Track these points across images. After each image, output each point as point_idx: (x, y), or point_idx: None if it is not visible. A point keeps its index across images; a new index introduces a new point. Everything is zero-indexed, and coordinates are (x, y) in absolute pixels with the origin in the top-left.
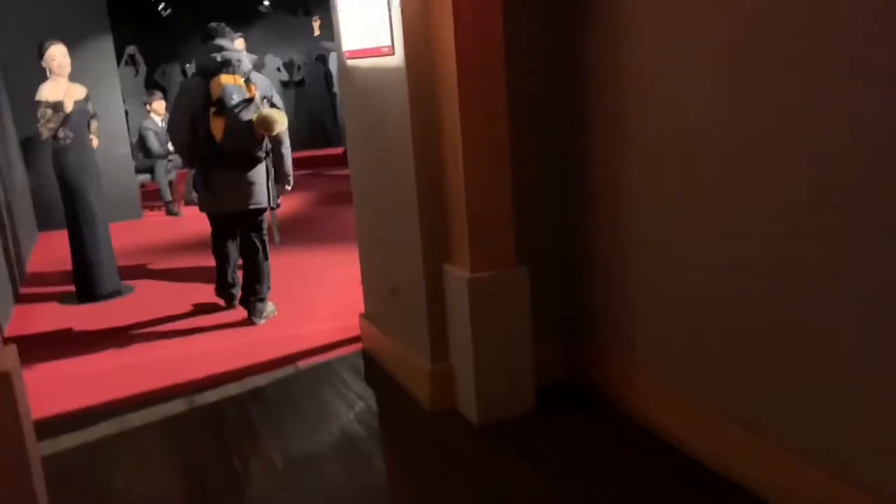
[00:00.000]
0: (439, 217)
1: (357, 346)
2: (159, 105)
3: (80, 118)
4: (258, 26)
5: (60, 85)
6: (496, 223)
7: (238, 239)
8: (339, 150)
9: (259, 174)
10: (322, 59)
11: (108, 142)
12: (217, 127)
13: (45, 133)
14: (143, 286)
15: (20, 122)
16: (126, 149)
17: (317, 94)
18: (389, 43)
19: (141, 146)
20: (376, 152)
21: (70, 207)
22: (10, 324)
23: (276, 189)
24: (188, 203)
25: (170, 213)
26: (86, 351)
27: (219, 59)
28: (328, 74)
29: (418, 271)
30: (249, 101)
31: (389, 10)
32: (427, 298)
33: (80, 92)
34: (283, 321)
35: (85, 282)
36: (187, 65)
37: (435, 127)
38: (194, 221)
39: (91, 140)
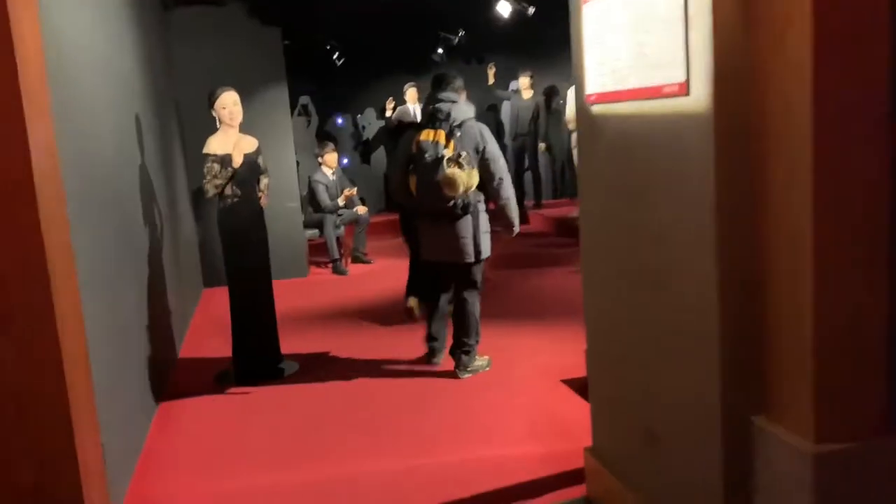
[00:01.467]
0: (751, 341)
1: (576, 492)
2: (331, 157)
3: (249, 174)
4: (430, 76)
5: (230, 137)
6: (862, 362)
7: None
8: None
9: (464, 228)
10: (494, 109)
11: (277, 195)
12: (413, 183)
13: (211, 190)
14: (307, 363)
15: (193, 172)
16: (296, 203)
17: None
18: (683, 78)
19: (311, 200)
20: (637, 231)
21: (233, 275)
22: (157, 414)
23: (488, 240)
24: (355, 260)
25: (337, 271)
26: (244, 459)
27: (429, 111)
28: (500, 125)
29: (705, 419)
30: (454, 159)
31: (686, 30)
32: (722, 461)
33: (250, 145)
34: (464, 434)
35: (244, 361)
36: (359, 115)
37: (755, 202)
38: (362, 281)
39: (260, 198)
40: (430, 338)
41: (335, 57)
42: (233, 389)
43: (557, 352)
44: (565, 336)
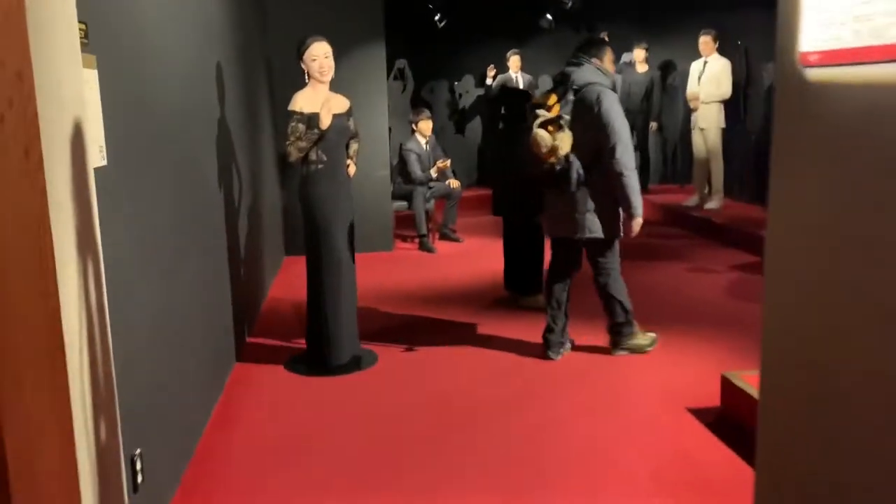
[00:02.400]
0: None
1: None
2: (426, 125)
3: (337, 137)
4: (536, 43)
5: (319, 94)
6: None
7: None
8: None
9: (569, 200)
10: None
11: (367, 162)
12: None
13: (294, 153)
14: (388, 355)
15: (280, 133)
16: (386, 171)
17: None
18: None
19: (401, 169)
20: (887, 252)
21: (313, 251)
22: (219, 404)
23: (595, 218)
24: (443, 237)
25: (423, 247)
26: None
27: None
28: None
29: None
30: (550, 121)
31: None
32: None
33: (341, 104)
34: (569, 477)
35: (318, 350)
36: (456, 82)
37: None
38: (450, 261)
39: (348, 166)
40: (547, 328)
41: (436, 18)
42: (304, 379)
43: (678, 371)
44: (685, 350)
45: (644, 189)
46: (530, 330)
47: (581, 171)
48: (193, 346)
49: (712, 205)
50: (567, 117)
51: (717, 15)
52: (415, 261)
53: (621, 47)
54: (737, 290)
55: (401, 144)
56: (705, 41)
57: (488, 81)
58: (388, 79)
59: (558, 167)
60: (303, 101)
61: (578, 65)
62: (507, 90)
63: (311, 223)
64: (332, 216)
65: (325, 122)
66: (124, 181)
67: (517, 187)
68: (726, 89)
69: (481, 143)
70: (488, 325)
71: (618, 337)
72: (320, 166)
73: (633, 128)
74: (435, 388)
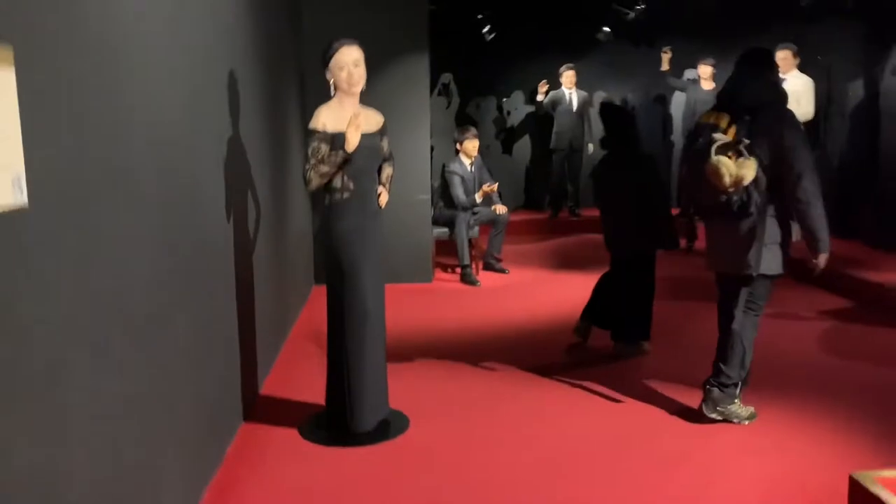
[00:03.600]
0: None
1: None
2: (472, 145)
3: (367, 161)
4: (591, 58)
5: (346, 109)
6: None
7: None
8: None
9: (740, 232)
10: (661, 100)
11: (406, 185)
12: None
13: (315, 180)
14: (422, 414)
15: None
16: (426, 195)
17: (649, 143)
18: None
19: (443, 192)
20: None
21: (335, 297)
22: (218, 474)
23: (771, 254)
24: (488, 267)
25: (466, 279)
26: None
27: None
28: (667, 119)
29: None
30: (728, 145)
31: None
32: None
33: (372, 121)
34: None
35: (339, 413)
36: (504, 99)
37: None
38: (496, 296)
39: (379, 195)
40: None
41: (485, 31)
42: (319, 450)
43: (783, 459)
44: (789, 429)
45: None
46: (608, 387)
47: (759, 202)
48: (179, 418)
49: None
50: (747, 141)
51: (791, 28)
52: (456, 295)
53: (685, 63)
54: (838, 345)
55: (443, 165)
56: (784, 56)
57: (539, 98)
58: (431, 94)
59: (735, 198)
60: (326, 118)
61: (747, 80)
62: (609, 108)
63: (334, 264)
64: (359, 257)
65: (353, 142)
66: (62, 227)
67: (629, 218)
68: (808, 110)
69: (529, 164)
70: (551, 382)
71: (719, 395)
72: (346, 195)
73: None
74: (480, 472)
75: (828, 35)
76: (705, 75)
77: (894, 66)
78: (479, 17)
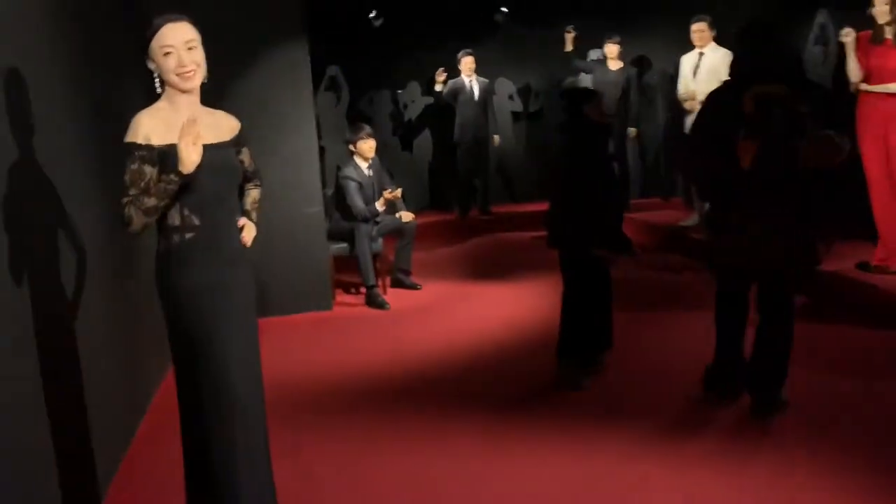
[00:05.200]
0: None
1: None
2: (367, 145)
3: (218, 184)
4: (491, 42)
5: (179, 112)
6: None
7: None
8: None
9: (802, 217)
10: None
11: (293, 196)
12: (747, 151)
13: (138, 219)
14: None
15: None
16: (318, 207)
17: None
18: None
19: (338, 202)
20: None
21: (188, 386)
22: None
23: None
24: (396, 284)
25: (372, 303)
26: None
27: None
28: None
29: None
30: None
31: None
32: None
33: (222, 128)
34: None
35: None
36: (399, 91)
37: None
38: (409, 319)
39: (241, 229)
40: (726, 375)
41: (372, 16)
42: None
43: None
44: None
45: (626, 206)
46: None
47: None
48: None
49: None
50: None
51: (696, 3)
52: (363, 323)
53: (587, 44)
54: (820, 354)
55: (337, 170)
56: (700, 28)
57: (438, 88)
58: (316, 90)
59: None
60: (151, 127)
61: (780, 51)
62: (573, 91)
63: (180, 337)
64: (216, 323)
65: (189, 160)
66: None
67: (589, 211)
68: None
69: (432, 160)
70: (494, 441)
71: (776, 398)
72: (189, 236)
73: (608, 133)
74: None
75: (740, 5)
76: (612, 54)
77: (816, 35)
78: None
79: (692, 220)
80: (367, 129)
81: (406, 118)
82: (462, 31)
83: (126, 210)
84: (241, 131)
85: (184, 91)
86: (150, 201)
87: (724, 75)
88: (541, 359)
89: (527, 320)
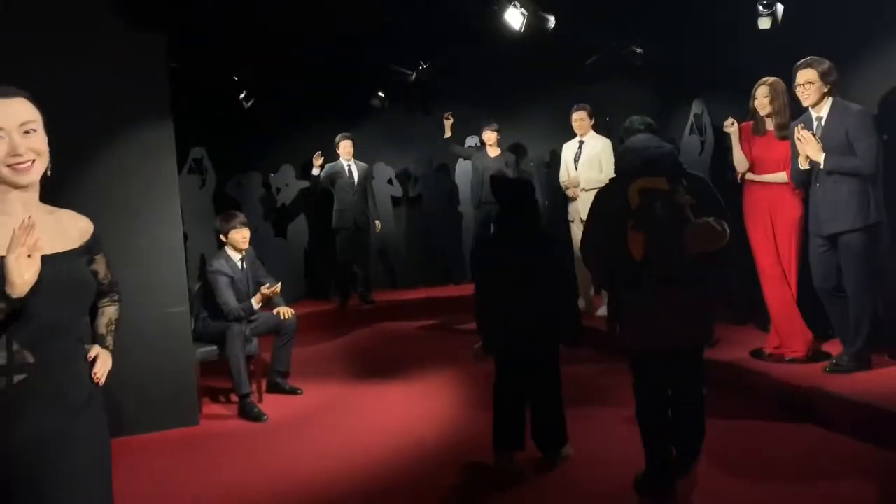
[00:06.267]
0: None
1: None
2: (240, 235)
3: (59, 305)
4: (369, 125)
5: (10, 212)
6: None
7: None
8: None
9: (702, 298)
10: (445, 169)
11: (154, 293)
12: (637, 242)
13: None
14: None
15: None
16: (183, 306)
17: (437, 215)
18: None
19: (206, 299)
20: None
21: None
22: None
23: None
24: (274, 388)
25: (247, 414)
26: None
27: (645, 156)
28: (453, 188)
29: None
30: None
31: None
32: None
33: (69, 231)
34: None
35: None
36: (272, 174)
37: None
38: (291, 433)
39: (93, 361)
40: (660, 467)
41: (242, 96)
42: None
43: None
44: None
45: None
46: None
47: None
48: None
49: (602, 311)
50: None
51: (576, 90)
52: (235, 441)
53: (466, 129)
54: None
55: (202, 262)
56: (580, 117)
57: (314, 172)
58: (180, 171)
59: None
60: None
61: (662, 145)
62: (504, 181)
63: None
64: (55, 493)
65: (21, 279)
66: None
67: (540, 309)
68: (609, 173)
69: (308, 247)
70: None
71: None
72: (18, 379)
73: (489, 220)
74: None
75: (616, 94)
76: (490, 141)
77: (692, 124)
78: (235, 79)
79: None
80: (241, 217)
81: (279, 203)
82: (338, 114)
83: None
84: (93, 234)
85: (17, 187)
86: None
87: (605, 163)
88: (447, 473)
89: (425, 426)
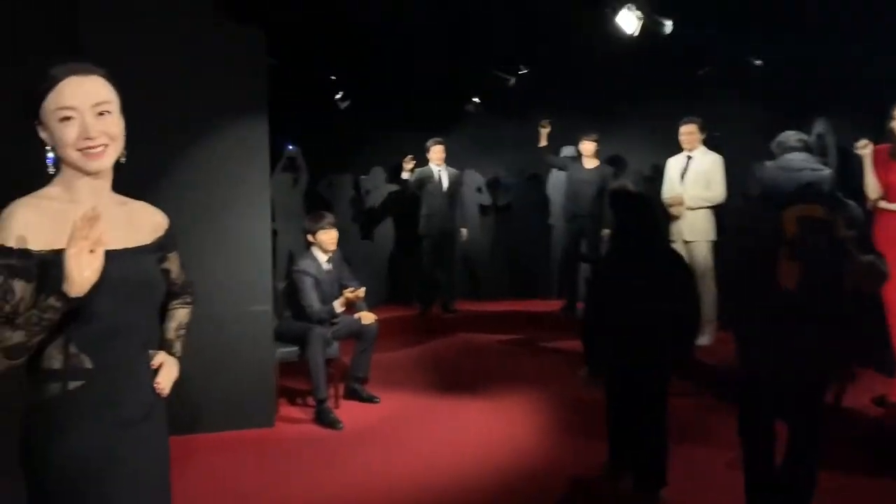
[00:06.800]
0: None
1: None
2: (328, 237)
3: (126, 307)
4: (460, 131)
5: (77, 201)
6: None
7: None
8: (555, 305)
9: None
10: (537, 180)
11: (238, 289)
12: (788, 272)
13: None
14: None
15: None
16: (266, 305)
17: (523, 226)
18: None
19: (290, 298)
20: None
21: None
22: None
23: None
24: (352, 395)
25: (323, 420)
26: None
27: (801, 179)
28: (546, 200)
29: None
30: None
31: None
32: None
33: (141, 225)
34: None
35: None
36: (362, 176)
37: None
38: (368, 444)
39: (157, 369)
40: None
41: (338, 97)
42: None
43: None
44: None
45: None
46: None
47: None
48: None
49: (703, 340)
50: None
51: (683, 102)
52: (311, 446)
53: (562, 139)
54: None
55: (289, 259)
56: (690, 131)
57: (405, 176)
58: (273, 169)
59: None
60: (29, 223)
61: (819, 168)
62: (623, 193)
63: None
64: None
65: (80, 276)
66: None
67: (651, 330)
68: (719, 191)
69: (393, 251)
70: None
71: None
72: (74, 385)
73: (580, 234)
74: None
75: (726, 109)
76: (588, 152)
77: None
78: (333, 78)
79: (705, 339)
80: (329, 217)
81: (367, 205)
82: (431, 119)
83: None
84: (167, 230)
85: (87, 174)
86: (16, 336)
87: (714, 181)
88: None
89: (504, 451)
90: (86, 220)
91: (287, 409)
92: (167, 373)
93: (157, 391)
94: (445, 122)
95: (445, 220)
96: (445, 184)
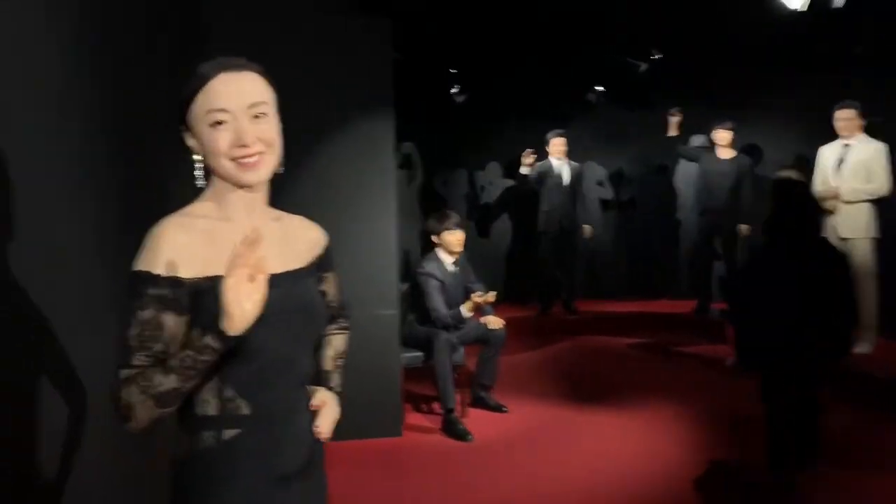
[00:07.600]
0: None
1: None
2: (455, 238)
3: (286, 340)
4: (580, 122)
5: (231, 219)
6: None
7: None
8: (685, 306)
9: None
10: (663, 171)
11: (365, 293)
12: None
13: (141, 414)
14: None
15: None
16: (393, 309)
17: (648, 222)
18: None
19: (414, 302)
20: None
21: None
22: None
23: None
24: (478, 403)
25: (451, 431)
26: None
27: None
28: (673, 194)
29: None
30: None
31: None
32: None
33: (299, 243)
34: None
35: None
36: (479, 172)
37: None
38: (496, 461)
39: (316, 410)
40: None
41: (455, 90)
42: None
43: None
44: None
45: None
46: None
47: None
48: None
49: (862, 348)
50: None
51: (831, 85)
52: (442, 459)
53: (689, 129)
54: None
55: (406, 257)
56: (848, 116)
57: (524, 170)
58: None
59: None
60: (180, 246)
61: None
62: (787, 181)
63: None
64: None
65: (241, 313)
66: None
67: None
68: (882, 184)
69: (511, 248)
70: None
71: None
72: (230, 434)
73: (714, 229)
74: None
75: (886, 92)
76: (723, 142)
77: None
78: (453, 72)
79: (864, 347)
80: (455, 217)
81: (483, 201)
82: (548, 109)
83: (122, 392)
84: (326, 248)
85: (241, 186)
86: (169, 381)
87: (876, 173)
88: None
89: (649, 471)
90: (247, 243)
91: (413, 417)
92: (328, 414)
93: (317, 435)
94: (564, 112)
95: (565, 216)
96: (566, 178)
